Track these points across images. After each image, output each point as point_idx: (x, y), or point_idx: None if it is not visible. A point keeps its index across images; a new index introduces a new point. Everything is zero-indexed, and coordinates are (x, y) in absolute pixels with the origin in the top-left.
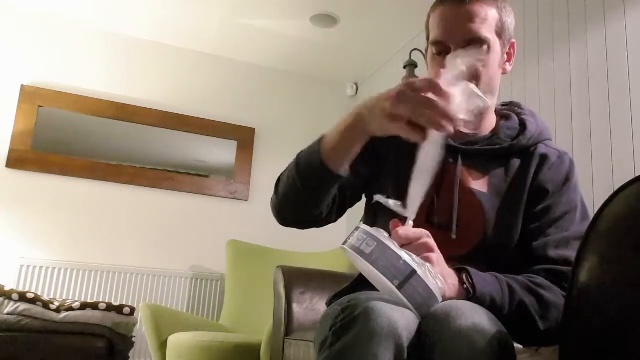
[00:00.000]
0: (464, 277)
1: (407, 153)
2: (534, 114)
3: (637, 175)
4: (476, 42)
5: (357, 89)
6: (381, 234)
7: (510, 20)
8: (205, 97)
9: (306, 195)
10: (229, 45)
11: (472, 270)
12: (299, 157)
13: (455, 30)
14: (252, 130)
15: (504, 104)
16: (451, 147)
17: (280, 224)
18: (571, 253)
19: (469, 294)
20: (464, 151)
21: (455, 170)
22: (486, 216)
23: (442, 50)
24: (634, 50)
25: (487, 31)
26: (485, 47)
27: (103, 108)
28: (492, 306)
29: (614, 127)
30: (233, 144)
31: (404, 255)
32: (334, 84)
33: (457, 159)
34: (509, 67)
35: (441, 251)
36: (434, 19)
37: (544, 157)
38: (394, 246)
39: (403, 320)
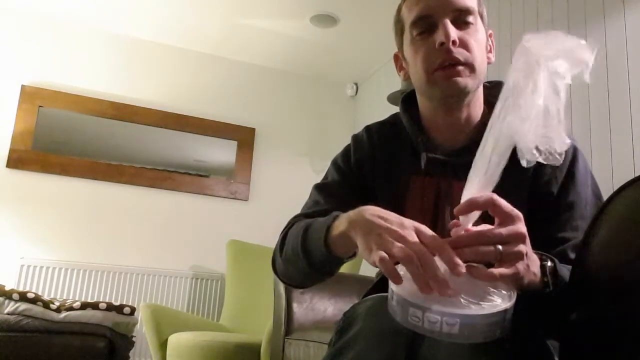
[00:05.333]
0: (548, 269)
1: (398, 177)
2: None
3: (637, 175)
4: (465, 13)
5: (357, 89)
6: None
7: (485, 10)
8: (205, 97)
9: (313, 275)
10: (229, 46)
11: (558, 263)
12: (306, 235)
13: (441, 1)
14: (252, 130)
15: (489, 85)
16: (440, 160)
17: (285, 284)
18: None
19: (547, 287)
20: (455, 165)
21: (450, 188)
22: None
23: (425, 28)
24: (634, 50)
25: (473, 3)
26: (472, 18)
27: (103, 108)
28: (557, 302)
29: (613, 127)
30: (233, 144)
31: (491, 305)
32: (334, 84)
33: (449, 174)
34: (492, 57)
35: None
36: (410, 3)
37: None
38: (476, 306)
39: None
